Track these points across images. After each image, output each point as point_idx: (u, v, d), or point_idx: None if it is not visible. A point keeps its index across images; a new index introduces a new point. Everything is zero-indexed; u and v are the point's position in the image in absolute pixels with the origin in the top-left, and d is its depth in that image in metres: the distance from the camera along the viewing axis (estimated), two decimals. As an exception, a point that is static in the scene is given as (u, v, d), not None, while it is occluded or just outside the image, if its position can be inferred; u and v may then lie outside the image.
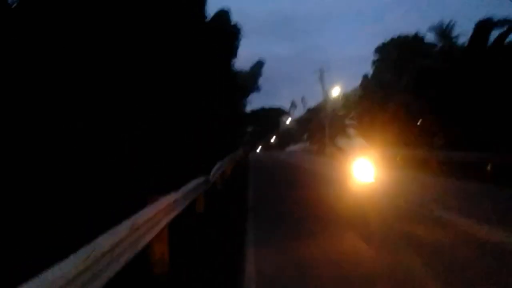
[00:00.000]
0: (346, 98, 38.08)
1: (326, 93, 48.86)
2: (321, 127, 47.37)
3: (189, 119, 14.01)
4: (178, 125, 12.54)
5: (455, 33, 44.61)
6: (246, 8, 57.41)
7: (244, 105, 60.33)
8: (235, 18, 21.70)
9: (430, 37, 48.20)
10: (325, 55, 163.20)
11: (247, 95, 59.43)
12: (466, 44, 41.73)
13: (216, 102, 17.59)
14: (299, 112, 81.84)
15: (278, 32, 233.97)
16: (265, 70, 69.56)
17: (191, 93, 15.06)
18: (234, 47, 20.17)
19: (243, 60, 48.22)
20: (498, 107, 17.92)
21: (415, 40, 48.95)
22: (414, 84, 26.93)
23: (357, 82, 48.74)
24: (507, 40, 18.98)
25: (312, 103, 71.59)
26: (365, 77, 53.81)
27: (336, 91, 42.14)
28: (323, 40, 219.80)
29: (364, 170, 7.92)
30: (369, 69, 45.35)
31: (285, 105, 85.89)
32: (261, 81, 61.47)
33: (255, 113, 79.88)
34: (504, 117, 17.39)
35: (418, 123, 26.78)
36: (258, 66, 62.76)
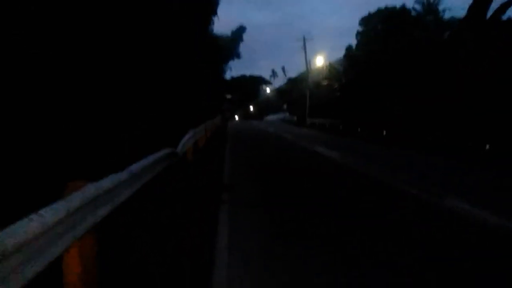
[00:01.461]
0: (330, 68, 36.54)
1: (309, 62, 47.32)
2: (302, 97, 46.17)
3: (157, 80, 12.36)
4: (147, 87, 10.93)
5: (441, 7, 43.33)
6: (227, -29, 54.02)
7: (224, 72, 58.56)
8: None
9: (416, 10, 46.96)
10: (307, 25, 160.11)
11: (228, 61, 57.49)
12: (450, 19, 40.37)
13: (191, 62, 15.84)
14: (279, 82, 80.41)
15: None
16: (246, 38, 67.12)
17: (163, 51, 13.32)
18: (213, 2, 18.21)
19: (223, 27, 45.64)
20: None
21: (402, 12, 47.74)
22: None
23: (339, 53, 47.37)
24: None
25: (292, 73, 70.03)
26: (349, 48, 52.38)
27: (319, 61, 40.54)
28: (306, 9, 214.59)
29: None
30: (352, 41, 44.01)
31: (265, 75, 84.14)
32: (242, 48, 59.57)
33: (235, 80, 77.89)
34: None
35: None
36: (240, 31, 60.46)
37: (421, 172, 9.73)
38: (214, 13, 19.58)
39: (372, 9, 46.47)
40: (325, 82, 36.34)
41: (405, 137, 18.21)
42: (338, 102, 33.01)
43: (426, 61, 22.50)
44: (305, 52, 46.90)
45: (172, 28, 14.53)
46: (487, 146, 13.71)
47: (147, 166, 5.05)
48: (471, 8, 18.37)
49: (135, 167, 4.45)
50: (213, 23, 21.97)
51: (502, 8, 17.16)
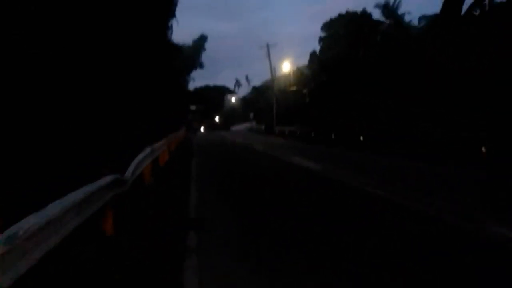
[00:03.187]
0: (297, 73, 35.36)
1: (273, 69, 46.16)
2: (269, 105, 44.79)
3: (112, 91, 10.42)
4: (97, 96, 9.03)
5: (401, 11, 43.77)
6: (185, -14, 52.45)
7: (187, 82, 56.59)
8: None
9: (376, 15, 47.26)
10: (269, 34, 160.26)
11: (190, 71, 55.61)
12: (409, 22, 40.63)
13: (147, 68, 13.94)
14: (243, 91, 79.00)
15: (218, 10, 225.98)
16: (208, 48, 65.46)
17: (119, 59, 11.39)
18: (171, 2, 16.37)
19: (184, 36, 43.89)
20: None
21: (363, 16, 47.87)
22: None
23: (303, 59, 46.80)
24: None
25: (257, 82, 68.80)
26: (313, 53, 51.92)
27: (286, 67, 39.34)
28: (265, 19, 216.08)
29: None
30: (315, 47, 43.46)
31: (229, 85, 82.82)
32: (204, 59, 58.12)
33: (198, 91, 75.70)
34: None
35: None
36: (201, 40, 58.88)
37: (432, 187, 8.31)
38: (172, 14, 17.75)
39: (332, 15, 46.32)
40: (293, 88, 35.05)
41: (385, 142, 17.02)
42: (307, 108, 31.81)
43: (398, 59, 21.71)
44: (269, 59, 45.75)
45: (122, 29, 12.62)
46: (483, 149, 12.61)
47: (72, 204, 3.17)
48: (446, 2, 17.61)
49: (56, 206, 2.59)
50: (172, 28, 20.09)
51: (478, 2, 16.45)
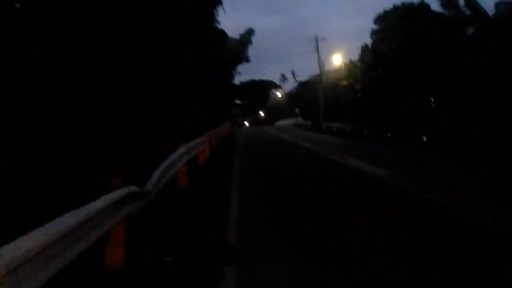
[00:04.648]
0: (350, 67, 33.08)
1: (322, 63, 44.04)
2: (315, 100, 42.78)
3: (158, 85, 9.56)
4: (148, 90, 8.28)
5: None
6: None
7: (233, 76, 55.92)
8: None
9: (434, 6, 43.57)
10: (315, 29, 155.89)
11: (236, 65, 54.83)
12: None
13: (192, 58, 12.84)
14: (289, 86, 76.95)
15: (264, 5, 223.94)
16: (254, 43, 64.20)
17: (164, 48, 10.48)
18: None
19: (230, 31, 42.89)
20: None
21: (421, 8, 44.46)
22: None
23: (351, 55, 44.24)
24: None
25: (303, 77, 66.37)
26: (364, 47, 49.10)
27: (337, 59, 37.12)
28: (311, 14, 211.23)
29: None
30: (364, 41, 40.87)
31: (275, 80, 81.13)
32: (251, 54, 56.97)
33: (244, 85, 74.80)
34: None
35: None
36: (248, 34, 57.89)
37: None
38: (219, 1, 16.52)
39: (379, 9, 43.28)
40: (344, 83, 32.85)
41: (447, 142, 14.79)
42: (359, 104, 29.57)
43: (459, 56, 19.22)
44: (318, 52, 43.72)
45: (171, 19, 11.66)
46: None
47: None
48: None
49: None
50: (218, 16, 18.90)
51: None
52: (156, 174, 5.06)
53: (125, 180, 3.95)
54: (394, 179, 8.70)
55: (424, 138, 16.77)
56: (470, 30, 30.30)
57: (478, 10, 20.54)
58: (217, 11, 18.57)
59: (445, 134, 16.26)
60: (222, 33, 21.62)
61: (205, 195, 7.65)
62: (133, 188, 3.85)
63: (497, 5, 22.23)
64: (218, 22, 20.08)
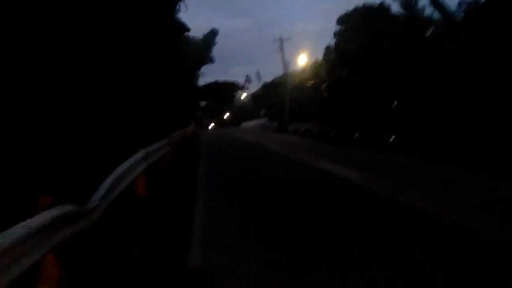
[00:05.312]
0: (316, 66, 33.00)
1: (287, 63, 43.91)
2: (281, 102, 42.53)
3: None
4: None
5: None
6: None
7: (197, 77, 54.92)
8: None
9: (395, 8, 44.67)
10: (279, 31, 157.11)
11: (200, 66, 53.88)
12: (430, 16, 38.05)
13: (150, 55, 11.95)
14: (254, 88, 76.64)
15: (230, 7, 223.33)
16: (219, 44, 63.35)
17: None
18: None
19: (195, 33, 41.95)
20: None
21: (380, 10, 45.40)
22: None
23: (315, 55, 44.49)
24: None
25: (268, 78, 66.39)
26: (328, 48, 49.55)
27: (302, 59, 36.95)
28: (276, 15, 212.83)
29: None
30: (328, 42, 41.28)
31: (241, 81, 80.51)
32: (215, 55, 56.32)
33: (208, 86, 73.49)
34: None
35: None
36: (212, 35, 57.11)
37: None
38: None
39: (343, 11, 43.98)
40: (310, 83, 32.69)
41: (416, 143, 14.73)
42: (325, 104, 29.45)
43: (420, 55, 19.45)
44: (283, 52, 43.52)
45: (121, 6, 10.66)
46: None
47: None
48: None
49: None
50: (180, 12, 17.98)
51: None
52: (104, 186, 4.27)
53: (62, 197, 3.16)
54: (370, 183, 8.29)
55: (391, 139, 16.66)
56: (430, 31, 31.09)
57: (444, 9, 20.84)
58: (178, 5, 17.70)
59: (411, 134, 16.22)
60: (183, 27, 20.55)
61: (166, 204, 6.86)
62: (68, 207, 3.06)
63: (460, 4, 22.75)
64: (179, 18, 19.19)
